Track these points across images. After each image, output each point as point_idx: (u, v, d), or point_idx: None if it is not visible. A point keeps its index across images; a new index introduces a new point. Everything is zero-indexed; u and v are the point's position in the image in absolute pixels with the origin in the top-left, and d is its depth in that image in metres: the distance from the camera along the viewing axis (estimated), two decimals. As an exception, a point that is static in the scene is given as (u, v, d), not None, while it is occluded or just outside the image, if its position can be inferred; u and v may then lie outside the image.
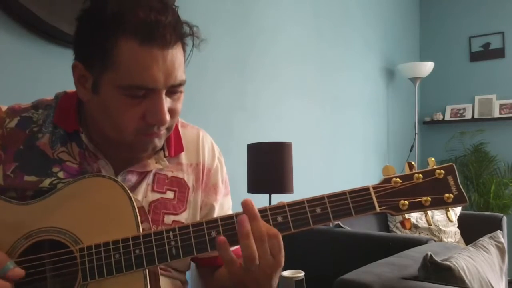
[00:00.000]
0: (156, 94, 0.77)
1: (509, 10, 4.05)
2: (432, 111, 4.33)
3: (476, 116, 4.12)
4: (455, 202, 0.77)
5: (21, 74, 1.54)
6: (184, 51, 0.81)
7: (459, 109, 4.23)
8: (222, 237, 0.73)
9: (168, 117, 0.78)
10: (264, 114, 2.62)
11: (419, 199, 0.77)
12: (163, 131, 0.82)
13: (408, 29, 4.33)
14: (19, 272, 0.72)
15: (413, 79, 3.86)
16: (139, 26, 0.73)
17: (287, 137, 2.35)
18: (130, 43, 0.74)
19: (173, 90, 0.79)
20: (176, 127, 0.94)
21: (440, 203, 0.77)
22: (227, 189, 1.02)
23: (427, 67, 3.80)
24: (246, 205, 0.74)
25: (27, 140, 0.85)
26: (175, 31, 0.76)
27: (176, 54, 0.78)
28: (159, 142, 0.83)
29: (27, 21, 1.52)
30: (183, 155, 0.94)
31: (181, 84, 0.80)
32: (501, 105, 4.04)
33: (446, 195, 0.77)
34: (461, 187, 0.78)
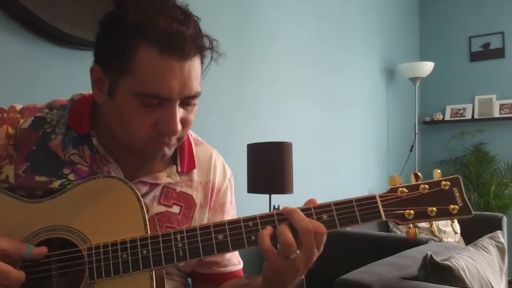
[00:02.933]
0: (170, 103, 0.77)
1: (509, 10, 4.05)
2: (432, 111, 4.34)
3: (476, 116, 4.12)
4: (460, 214, 0.78)
5: (21, 74, 1.54)
6: (202, 63, 0.82)
7: (459, 109, 4.23)
8: (268, 227, 0.75)
9: (179, 127, 0.79)
10: (264, 114, 2.62)
11: (425, 209, 0.78)
12: (173, 140, 0.82)
13: (408, 29, 4.33)
14: (42, 250, 0.75)
15: (413, 79, 3.86)
16: (160, 36, 0.74)
17: (287, 137, 2.35)
18: (150, 51, 0.74)
19: (187, 101, 0.80)
20: (190, 143, 0.95)
21: (445, 214, 0.78)
22: (234, 210, 1.02)
23: (427, 67, 3.80)
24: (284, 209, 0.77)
25: (40, 141, 0.86)
26: (195, 43, 0.77)
27: (194, 65, 0.78)
28: (168, 151, 0.84)
29: (27, 21, 1.52)
30: (195, 172, 0.94)
31: (195, 96, 0.80)
32: (501, 105, 4.04)
33: (451, 206, 0.78)
34: (467, 199, 0.79)
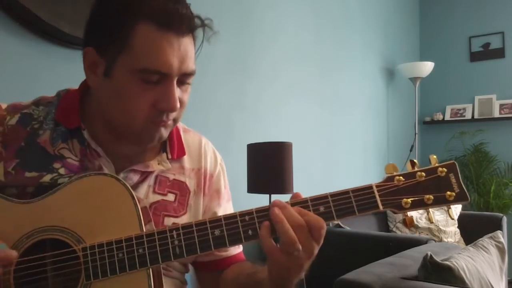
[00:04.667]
0: (169, 80, 0.78)
1: (509, 10, 4.05)
2: (432, 111, 4.33)
3: (476, 116, 4.12)
4: (457, 200, 0.77)
5: (21, 74, 1.54)
6: (194, 45, 0.83)
7: (459, 109, 4.23)
8: (266, 223, 0.74)
9: (178, 104, 0.80)
10: (264, 114, 2.62)
11: (422, 197, 0.77)
12: (170, 121, 0.83)
13: (408, 29, 4.33)
14: (10, 253, 0.72)
15: (413, 79, 3.86)
16: (158, 12, 0.75)
17: (287, 137, 2.35)
18: (147, 27, 0.75)
19: (183, 79, 0.81)
20: (178, 131, 0.95)
21: (442, 201, 0.77)
22: (229, 194, 1.02)
23: (427, 67, 3.80)
24: (274, 202, 0.76)
25: (28, 137, 0.85)
26: (190, 22, 0.79)
27: (189, 43, 0.80)
28: (165, 132, 0.84)
29: (27, 21, 1.52)
30: (185, 159, 0.94)
31: (191, 74, 0.82)
32: (501, 105, 4.04)
33: (448, 193, 0.77)
34: (463, 185, 0.78)
